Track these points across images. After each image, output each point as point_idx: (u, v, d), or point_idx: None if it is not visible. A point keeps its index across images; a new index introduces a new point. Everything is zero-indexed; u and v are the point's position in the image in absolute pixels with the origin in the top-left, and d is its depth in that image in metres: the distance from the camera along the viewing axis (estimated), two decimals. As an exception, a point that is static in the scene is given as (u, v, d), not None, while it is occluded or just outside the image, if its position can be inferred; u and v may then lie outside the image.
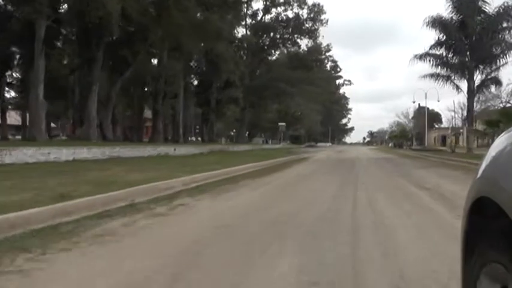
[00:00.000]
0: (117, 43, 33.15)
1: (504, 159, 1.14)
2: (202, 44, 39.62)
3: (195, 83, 58.53)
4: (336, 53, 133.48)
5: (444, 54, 25.60)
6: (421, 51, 28.18)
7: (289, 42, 67.04)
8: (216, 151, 30.37)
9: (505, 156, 1.14)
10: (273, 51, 67.66)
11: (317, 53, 67.85)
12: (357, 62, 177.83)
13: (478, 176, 1.24)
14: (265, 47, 66.42)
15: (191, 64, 50.79)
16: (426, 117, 52.39)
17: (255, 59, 67.16)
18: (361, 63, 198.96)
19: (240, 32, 65.18)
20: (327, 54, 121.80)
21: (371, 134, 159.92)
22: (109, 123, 34.90)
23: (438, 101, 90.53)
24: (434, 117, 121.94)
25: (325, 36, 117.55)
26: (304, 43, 66.69)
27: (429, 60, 25.71)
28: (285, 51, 67.89)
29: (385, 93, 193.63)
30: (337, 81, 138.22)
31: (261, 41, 65.82)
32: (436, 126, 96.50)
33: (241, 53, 66.01)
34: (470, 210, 1.23)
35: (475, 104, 46.70)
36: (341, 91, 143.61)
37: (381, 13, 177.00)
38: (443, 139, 78.56)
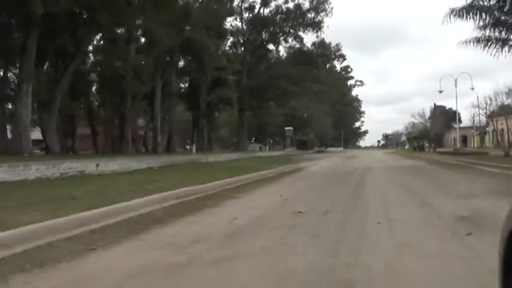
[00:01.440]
0: (53, 27, 25.18)
1: None
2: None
3: (185, 85, 50.58)
4: (345, 55, 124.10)
5: (499, 4, 16.36)
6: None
7: (291, 36, 58.64)
8: (179, 164, 22.03)
9: None
10: (273, 46, 59.18)
11: (323, 47, 59.13)
12: (366, 64, 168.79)
13: None
14: (264, 42, 58.06)
15: (173, 59, 42.76)
16: (457, 113, 43.13)
17: (254, 57, 58.92)
18: (371, 65, 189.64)
19: (236, 27, 57.27)
20: (337, 53, 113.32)
21: (386, 136, 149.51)
22: (53, 132, 26.86)
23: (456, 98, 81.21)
24: (453, 116, 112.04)
25: (333, 37, 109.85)
26: (308, 38, 58.15)
27: (473, 17, 16.48)
28: (287, 46, 59.32)
29: (397, 95, 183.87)
30: (349, 82, 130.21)
31: (259, 36, 57.55)
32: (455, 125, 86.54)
33: (237, 49, 57.85)
34: (507, 239, 1.15)
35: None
36: (353, 93, 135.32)
37: (389, 15, 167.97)
38: (465, 139, 68.55)
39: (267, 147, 57.13)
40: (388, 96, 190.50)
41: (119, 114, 32.77)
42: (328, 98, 67.02)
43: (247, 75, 57.49)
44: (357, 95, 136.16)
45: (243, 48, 57.50)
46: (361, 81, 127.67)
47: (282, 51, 59.94)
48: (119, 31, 29.48)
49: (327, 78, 62.19)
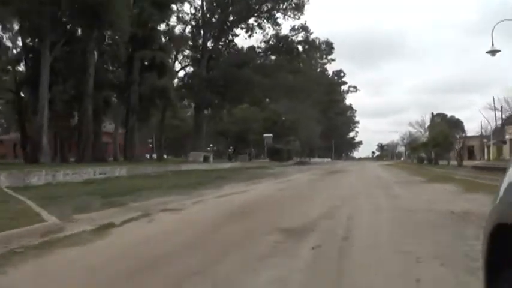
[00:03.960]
0: None
1: None
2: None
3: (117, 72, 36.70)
4: (339, 67, 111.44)
5: None
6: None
7: (263, 17, 44.93)
8: None
9: None
10: (242, 31, 45.29)
11: (305, 32, 45.30)
12: (361, 77, 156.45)
13: (497, 201, 1.11)
14: (229, 24, 44.28)
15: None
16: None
17: (217, 43, 45.20)
18: (365, 78, 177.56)
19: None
20: (328, 56, 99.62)
21: (381, 147, 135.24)
22: None
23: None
24: (456, 125, 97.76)
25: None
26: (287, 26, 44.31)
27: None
28: (262, 33, 45.40)
29: (391, 107, 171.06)
30: (342, 88, 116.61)
31: (224, 16, 43.84)
32: (457, 135, 72.23)
33: (194, 31, 44.11)
34: (490, 235, 1.10)
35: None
36: (347, 102, 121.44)
37: (384, 28, 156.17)
38: (471, 151, 53.96)
39: (223, 157, 42.76)
40: (382, 109, 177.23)
41: None
42: (313, 96, 52.82)
43: (207, 65, 43.70)
44: (351, 104, 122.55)
45: (202, 32, 43.80)
46: (354, 87, 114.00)
47: (256, 40, 46.06)
48: None
49: (311, 74, 48.45)
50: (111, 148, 65.81)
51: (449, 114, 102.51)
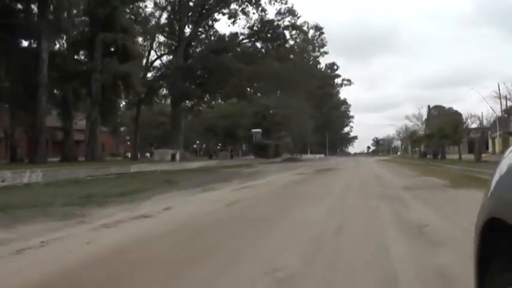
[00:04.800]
0: None
1: None
2: None
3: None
4: (332, 61, 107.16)
5: None
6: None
7: (247, 2, 40.12)
8: None
9: None
10: (224, 17, 40.50)
11: (292, 16, 40.55)
12: (355, 72, 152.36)
13: (488, 195, 1.10)
14: (208, 7, 39.47)
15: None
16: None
17: (196, 29, 40.47)
18: (360, 73, 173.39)
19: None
20: (321, 49, 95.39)
21: (377, 141, 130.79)
22: None
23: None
24: (454, 118, 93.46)
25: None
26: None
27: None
28: (243, 16, 40.57)
29: (386, 102, 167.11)
30: (336, 81, 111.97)
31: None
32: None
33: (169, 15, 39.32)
34: (482, 230, 1.09)
35: None
36: (341, 96, 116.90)
37: (378, 23, 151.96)
38: (471, 144, 49.45)
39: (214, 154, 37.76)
40: (377, 103, 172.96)
41: None
42: (302, 85, 48.15)
43: (185, 53, 39.00)
44: (345, 99, 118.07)
45: (178, 16, 39.02)
46: (348, 81, 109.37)
47: (238, 26, 41.23)
48: None
49: (300, 62, 43.75)
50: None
51: (446, 106, 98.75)
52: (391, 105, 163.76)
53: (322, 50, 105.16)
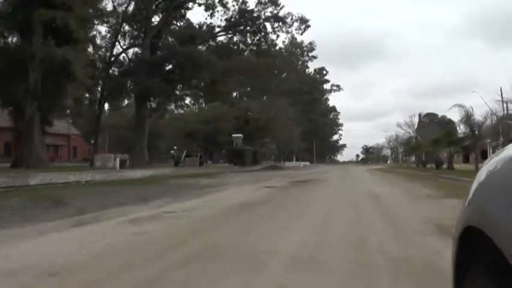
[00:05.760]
0: None
1: (492, 186, 0.99)
2: None
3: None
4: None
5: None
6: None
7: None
8: None
9: (493, 182, 1.00)
10: (200, 8, 35.50)
11: (274, 5, 35.72)
12: (344, 80, 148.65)
13: (466, 203, 1.10)
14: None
15: None
16: None
17: (166, 18, 35.39)
18: (349, 81, 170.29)
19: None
20: (310, 54, 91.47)
21: (366, 149, 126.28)
22: None
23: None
24: (446, 125, 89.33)
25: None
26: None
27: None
28: (221, 8, 35.64)
29: (375, 111, 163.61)
30: (325, 86, 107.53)
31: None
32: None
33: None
34: (459, 238, 1.10)
35: None
36: (330, 103, 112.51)
37: (366, 32, 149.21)
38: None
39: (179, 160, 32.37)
40: (366, 112, 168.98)
41: None
42: (286, 86, 43.37)
43: (152, 45, 33.95)
44: (334, 106, 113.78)
45: (144, 3, 33.97)
46: (338, 86, 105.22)
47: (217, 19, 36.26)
48: None
49: (282, 56, 38.71)
50: (64, 151, 54.50)
51: (439, 114, 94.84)
52: (380, 114, 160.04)
53: (311, 54, 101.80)
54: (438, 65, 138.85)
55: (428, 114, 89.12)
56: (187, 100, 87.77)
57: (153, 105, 32.88)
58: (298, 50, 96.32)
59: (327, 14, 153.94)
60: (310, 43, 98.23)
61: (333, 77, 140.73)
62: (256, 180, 18.48)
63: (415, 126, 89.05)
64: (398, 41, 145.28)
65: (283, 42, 48.20)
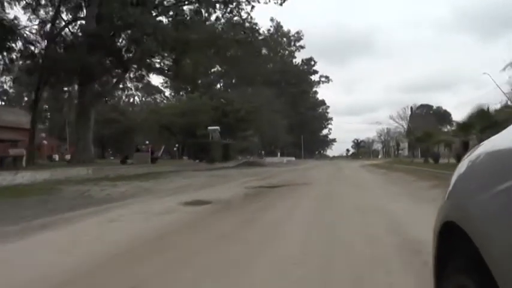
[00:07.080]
0: None
1: (468, 182, 1.01)
2: None
3: None
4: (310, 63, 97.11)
5: None
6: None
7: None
8: None
9: (469, 178, 1.01)
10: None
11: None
12: (333, 75, 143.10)
13: (446, 196, 1.09)
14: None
15: None
16: None
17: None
18: (338, 76, 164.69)
19: None
20: (298, 44, 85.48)
21: (357, 144, 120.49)
22: None
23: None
24: (442, 117, 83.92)
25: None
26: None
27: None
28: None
29: (364, 106, 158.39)
30: (313, 78, 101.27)
31: None
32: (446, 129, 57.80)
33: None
34: (439, 233, 1.10)
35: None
36: (319, 97, 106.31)
37: (355, 26, 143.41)
38: (465, 146, 39.14)
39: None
40: (355, 107, 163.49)
41: None
42: (272, 76, 36.94)
43: (98, 15, 27.18)
44: (324, 100, 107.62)
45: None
46: (327, 77, 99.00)
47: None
48: None
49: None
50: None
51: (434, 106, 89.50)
52: (370, 108, 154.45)
53: (298, 44, 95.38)
54: (427, 60, 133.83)
55: (422, 106, 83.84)
56: (167, 93, 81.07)
57: (99, 88, 26.21)
58: (285, 39, 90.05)
59: (315, 8, 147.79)
60: (298, 32, 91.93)
61: (322, 71, 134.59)
62: (205, 185, 12.07)
63: (408, 119, 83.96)
64: (387, 36, 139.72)
65: (269, 30, 41.43)
